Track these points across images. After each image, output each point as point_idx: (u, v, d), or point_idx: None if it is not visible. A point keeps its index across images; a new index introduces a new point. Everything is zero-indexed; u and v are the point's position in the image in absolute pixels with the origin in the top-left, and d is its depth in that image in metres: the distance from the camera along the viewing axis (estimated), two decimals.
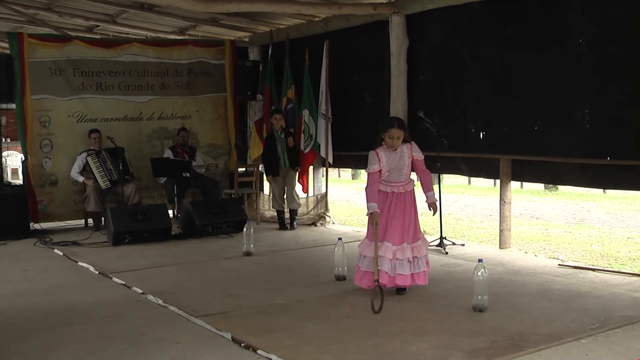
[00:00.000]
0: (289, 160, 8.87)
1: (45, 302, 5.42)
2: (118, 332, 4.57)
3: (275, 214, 9.22)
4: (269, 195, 9.72)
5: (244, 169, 10.44)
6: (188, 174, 9.05)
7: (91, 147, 9.13)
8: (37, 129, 9.20)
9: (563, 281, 5.73)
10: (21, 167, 10.58)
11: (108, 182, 9.03)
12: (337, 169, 19.79)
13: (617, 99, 6.17)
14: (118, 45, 9.78)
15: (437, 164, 7.51)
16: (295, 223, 9.04)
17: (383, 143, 5.36)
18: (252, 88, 10.09)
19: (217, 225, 8.41)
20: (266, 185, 10.40)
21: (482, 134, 7.42)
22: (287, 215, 9.09)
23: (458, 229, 9.35)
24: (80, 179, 9.10)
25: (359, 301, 5.22)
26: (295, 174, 9.10)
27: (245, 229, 7.22)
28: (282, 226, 9.00)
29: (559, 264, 6.53)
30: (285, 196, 9.01)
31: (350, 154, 9.38)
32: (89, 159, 9.04)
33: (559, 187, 14.67)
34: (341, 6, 8.06)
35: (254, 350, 4.08)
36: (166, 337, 4.41)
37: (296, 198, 9.06)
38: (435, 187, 5.89)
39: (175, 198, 9.16)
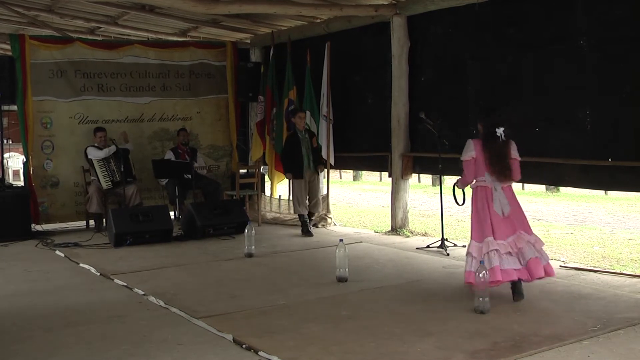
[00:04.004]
0: (314, 162, 8.60)
1: (47, 303, 5.42)
2: (120, 333, 4.57)
3: (277, 215, 9.15)
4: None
5: (245, 171, 10.44)
6: (189, 176, 9.04)
7: (95, 144, 9.09)
8: (39, 130, 9.22)
9: (565, 283, 5.72)
10: (23, 168, 10.58)
11: (110, 183, 9.02)
12: (338, 170, 19.76)
13: (619, 100, 6.17)
14: (119, 46, 9.80)
15: (439, 165, 7.51)
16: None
17: None
18: (253, 89, 10.12)
19: (218, 226, 8.41)
20: (267, 186, 10.40)
21: None
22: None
23: (460, 231, 9.34)
24: (101, 154, 8.89)
25: (360, 302, 5.23)
26: (320, 175, 8.86)
27: (246, 230, 7.22)
28: (307, 232, 8.43)
29: (560, 266, 6.52)
30: (309, 200, 8.66)
31: (351, 155, 9.37)
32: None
33: (561, 188, 14.62)
34: (342, 7, 8.07)
35: (256, 352, 4.08)
36: (168, 339, 4.41)
37: (321, 202, 8.86)
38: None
39: (177, 199, 9.15)
